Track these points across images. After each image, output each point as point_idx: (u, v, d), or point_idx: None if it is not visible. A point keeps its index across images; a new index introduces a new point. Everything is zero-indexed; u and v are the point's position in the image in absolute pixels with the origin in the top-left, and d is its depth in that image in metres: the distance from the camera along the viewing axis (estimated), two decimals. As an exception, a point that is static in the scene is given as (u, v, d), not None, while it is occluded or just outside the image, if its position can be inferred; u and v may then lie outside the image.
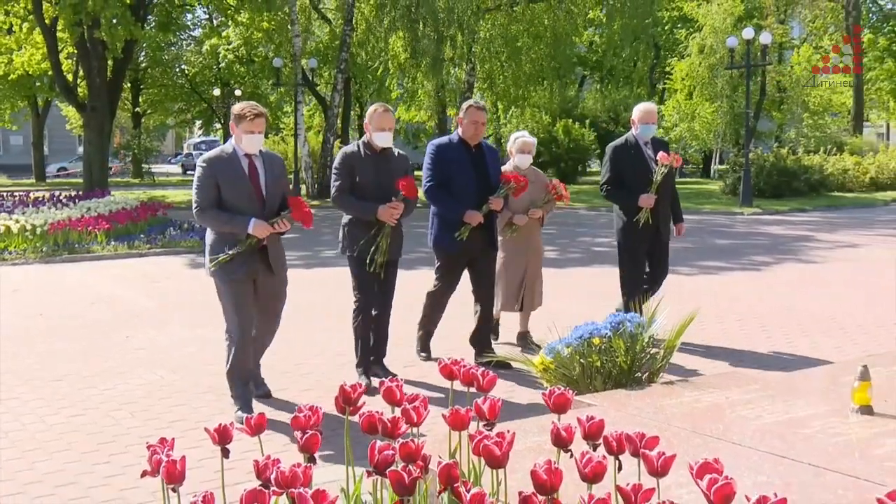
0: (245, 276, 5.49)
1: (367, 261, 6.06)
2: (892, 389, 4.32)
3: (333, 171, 6.26)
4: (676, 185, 7.68)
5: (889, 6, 51.74)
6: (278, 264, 5.70)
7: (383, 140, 6.15)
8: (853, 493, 2.96)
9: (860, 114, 42.67)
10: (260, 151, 5.54)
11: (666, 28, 43.11)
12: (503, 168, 6.98)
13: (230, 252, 5.40)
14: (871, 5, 50.55)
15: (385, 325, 6.43)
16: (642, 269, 7.43)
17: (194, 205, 5.47)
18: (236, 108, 5.48)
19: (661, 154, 7.14)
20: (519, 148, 7.23)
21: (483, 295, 6.77)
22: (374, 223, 6.08)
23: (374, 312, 6.32)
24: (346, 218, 6.30)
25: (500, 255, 7.08)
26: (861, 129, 42.43)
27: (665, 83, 40.10)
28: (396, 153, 6.32)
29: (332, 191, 6.17)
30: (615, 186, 7.36)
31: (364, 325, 6.30)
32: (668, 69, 37.66)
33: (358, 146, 6.27)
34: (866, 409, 3.91)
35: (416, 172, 7.85)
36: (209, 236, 5.62)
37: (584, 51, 44.55)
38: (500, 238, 6.99)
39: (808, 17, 46.20)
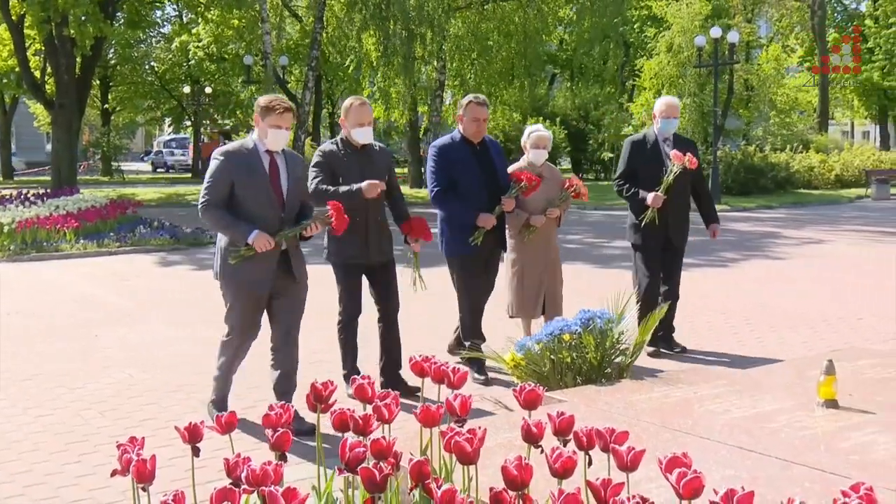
0: (266, 294, 5.15)
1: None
2: (856, 384, 4.38)
3: (311, 170, 5.77)
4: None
5: (854, 6, 52.36)
6: (301, 271, 5.29)
7: (363, 136, 5.75)
8: (819, 486, 3.01)
9: (825, 112, 43.21)
10: (283, 150, 5.14)
11: (635, 27, 43.33)
12: (518, 164, 6.72)
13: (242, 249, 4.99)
14: (836, 5, 51.16)
15: (395, 332, 6.02)
16: (656, 272, 6.94)
17: (201, 199, 5.06)
18: (263, 100, 5.06)
19: (673, 152, 6.71)
20: (533, 143, 6.75)
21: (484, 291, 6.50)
22: (359, 226, 5.66)
23: (378, 323, 6.00)
24: None
25: (514, 257, 6.71)
26: (826, 127, 42.98)
27: (634, 81, 40.32)
28: (377, 147, 5.99)
29: (310, 191, 5.61)
30: (628, 182, 6.97)
31: (351, 336, 6.04)
32: (637, 67, 37.82)
33: (336, 144, 5.89)
34: (831, 403, 3.97)
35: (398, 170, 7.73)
36: (223, 238, 5.17)
37: (555, 49, 44.69)
38: (513, 241, 6.68)
39: (775, 17, 46.66)
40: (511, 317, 6.84)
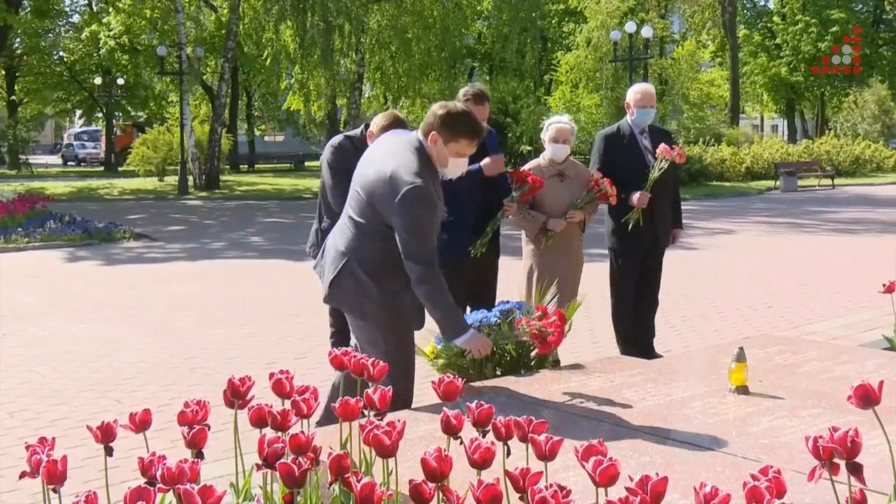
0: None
1: None
2: (766, 370, 4.51)
3: (332, 166, 5.33)
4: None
5: (762, 3, 53.83)
6: None
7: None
8: (731, 470, 3.09)
9: (736, 106, 44.40)
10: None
11: (553, 21, 43.80)
12: (536, 161, 6.04)
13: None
14: (745, 2, 52.54)
15: None
16: (635, 278, 6.34)
17: (427, 254, 3.80)
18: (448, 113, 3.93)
19: (662, 147, 6.01)
20: (552, 136, 5.88)
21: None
22: None
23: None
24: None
25: (530, 264, 5.99)
26: (737, 120, 44.18)
27: (552, 75, 40.74)
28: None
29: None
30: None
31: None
32: (555, 61, 38.25)
33: (351, 141, 5.40)
34: (742, 390, 4.07)
35: (312, 164, 7.59)
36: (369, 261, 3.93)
37: (473, 42, 44.87)
38: (531, 247, 5.98)
39: (687, 13, 47.68)
40: None
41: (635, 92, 6.27)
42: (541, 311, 4.29)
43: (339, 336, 5.31)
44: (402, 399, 3.84)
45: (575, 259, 6.01)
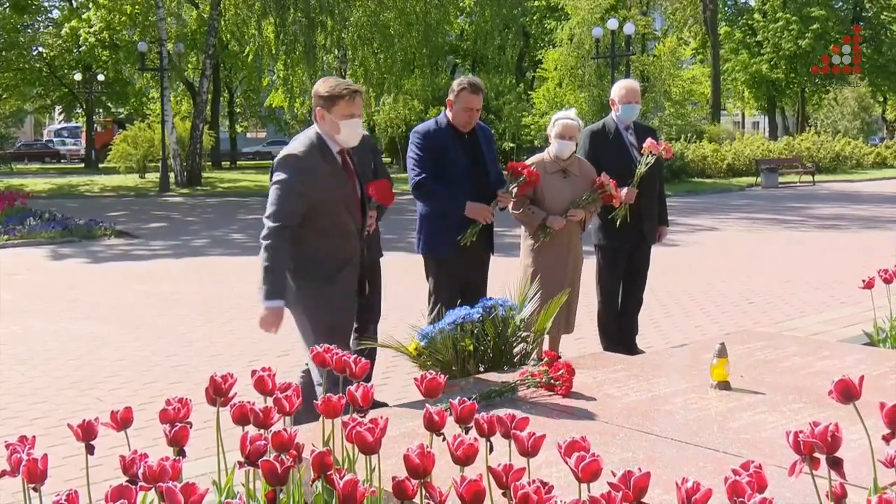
0: None
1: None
2: (747, 366, 4.54)
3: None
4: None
5: (743, 0, 54.08)
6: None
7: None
8: (712, 465, 3.10)
9: (718, 103, 44.64)
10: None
11: (535, 18, 43.82)
12: (540, 156, 5.98)
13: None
14: (727, -1, 52.79)
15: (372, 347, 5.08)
16: (620, 276, 6.38)
17: (274, 217, 4.05)
18: (322, 87, 4.19)
19: (648, 141, 6.03)
20: (558, 133, 5.81)
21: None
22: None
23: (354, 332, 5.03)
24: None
25: (528, 262, 5.88)
26: (719, 117, 44.41)
27: (535, 72, 40.76)
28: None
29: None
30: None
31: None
32: (538, 58, 38.29)
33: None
34: (724, 385, 4.09)
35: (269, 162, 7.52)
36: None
37: (455, 39, 44.85)
38: (529, 243, 5.92)
39: (669, 10, 47.83)
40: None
41: (620, 88, 6.26)
42: (549, 356, 4.27)
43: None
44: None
45: (573, 258, 5.94)
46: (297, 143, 4.16)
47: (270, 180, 4.21)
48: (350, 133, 4.14)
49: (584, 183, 5.87)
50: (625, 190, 5.94)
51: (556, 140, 5.81)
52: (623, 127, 6.23)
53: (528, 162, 5.85)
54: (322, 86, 4.15)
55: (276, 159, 4.14)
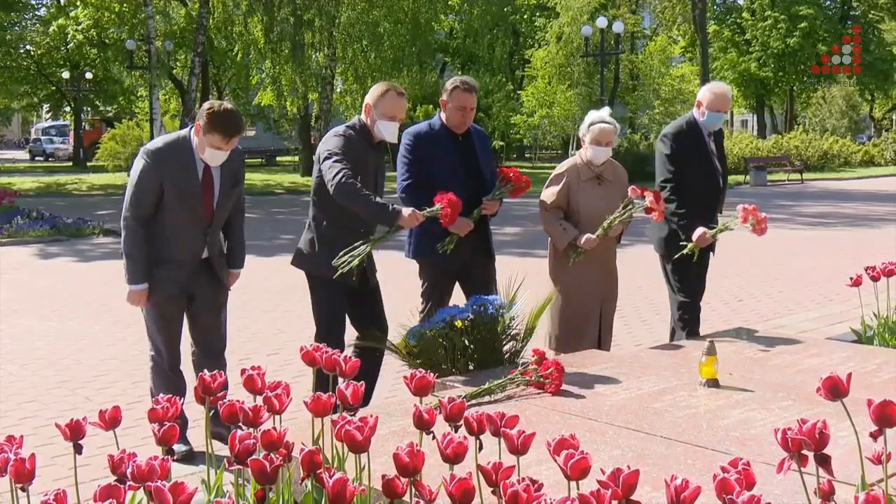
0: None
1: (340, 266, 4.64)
2: (736, 363, 4.56)
3: (332, 155, 4.71)
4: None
5: (732, -1, 54.22)
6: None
7: (390, 133, 4.92)
8: (701, 463, 3.11)
9: (707, 101, 44.60)
10: None
11: (525, 16, 43.87)
12: (572, 161, 5.59)
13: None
14: (716, -3, 52.93)
15: (377, 359, 5.06)
16: (693, 276, 5.95)
17: (127, 209, 4.51)
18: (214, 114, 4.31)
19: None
20: (594, 138, 5.37)
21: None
22: (365, 230, 4.82)
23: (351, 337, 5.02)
24: (324, 221, 4.89)
25: (559, 281, 5.57)
26: (708, 116, 44.38)
27: (524, 71, 40.82)
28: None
29: (338, 178, 4.57)
30: (677, 193, 5.50)
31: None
32: (527, 56, 38.33)
33: (354, 129, 4.96)
34: (713, 383, 4.11)
35: (284, 159, 7.51)
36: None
37: (445, 37, 44.85)
38: (557, 261, 5.57)
39: (658, 8, 47.93)
40: (553, 349, 5.47)
41: (711, 93, 5.60)
42: (537, 354, 4.25)
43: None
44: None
45: (611, 272, 5.64)
46: (160, 140, 4.57)
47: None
48: (211, 160, 4.41)
49: (619, 188, 5.43)
50: (700, 232, 5.44)
51: (592, 146, 5.39)
52: (706, 133, 5.66)
53: (560, 169, 5.52)
54: (213, 112, 4.32)
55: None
